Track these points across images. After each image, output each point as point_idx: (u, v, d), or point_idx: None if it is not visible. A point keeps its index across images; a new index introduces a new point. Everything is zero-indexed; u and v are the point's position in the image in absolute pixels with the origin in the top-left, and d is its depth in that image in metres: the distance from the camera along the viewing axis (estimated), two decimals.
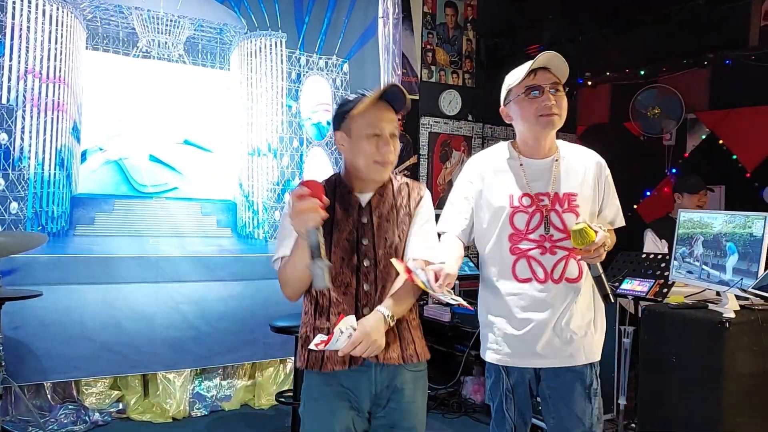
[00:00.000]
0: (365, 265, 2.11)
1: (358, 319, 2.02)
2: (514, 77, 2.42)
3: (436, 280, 2.01)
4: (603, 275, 2.27)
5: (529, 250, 2.36)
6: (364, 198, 2.17)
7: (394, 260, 2.06)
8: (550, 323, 2.36)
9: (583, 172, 2.43)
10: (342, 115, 2.15)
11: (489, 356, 2.48)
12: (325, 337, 1.98)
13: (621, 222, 2.51)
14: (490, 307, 2.47)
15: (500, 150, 2.52)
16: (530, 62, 2.37)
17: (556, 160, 2.43)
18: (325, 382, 2.10)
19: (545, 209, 2.37)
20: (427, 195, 2.28)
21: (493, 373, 2.52)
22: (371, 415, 2.15)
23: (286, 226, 1.98)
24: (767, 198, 5.77)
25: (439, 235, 2.41)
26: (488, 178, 2.46)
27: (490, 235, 2.43)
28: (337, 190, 2.18)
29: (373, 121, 2.10)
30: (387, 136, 2.11)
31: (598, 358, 2.44)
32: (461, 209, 2.51)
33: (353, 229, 2.13)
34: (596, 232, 2.18)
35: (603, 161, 2.49)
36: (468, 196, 2.50)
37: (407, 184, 2.26)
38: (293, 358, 4.07)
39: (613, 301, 2.31)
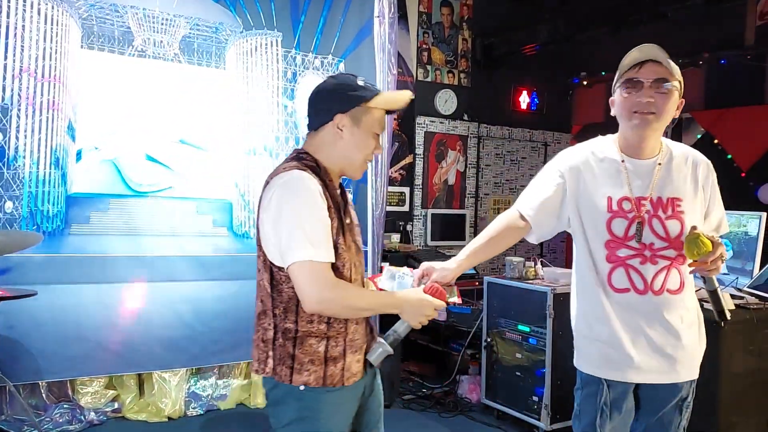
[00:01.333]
0: (364, 267, 2.11)
1: (371, 330, 2.08)
2: (622, 65, 2.18)
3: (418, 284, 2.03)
4: (719, 290, 2.15)
5: (628, 258, 2.17)
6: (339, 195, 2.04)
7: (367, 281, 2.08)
8: (654, 337, 2.18)
9: (690, 173, 2.24)
10: (355, 99, 1.96)
11: (586, 368, 2.30)
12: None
13: (726, 229, 2.34)
14: (587, 315, 2.29)
15: (601, 145, 2.32)
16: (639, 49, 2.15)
17: (659, 162, 2.22)
18: (336, 401, 1.93)
19: (648, 215, 2.17)
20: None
21: (590, 385, 2.30)
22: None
23: (321, 218, 1.87)
24: (762, 197, 5.78)
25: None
26: (585, 176, 2.26)
27: (586, 239, 2.25)
28: (328, 183, 1.97)
29: (381, 120, 2.02)
30: (380, 137, 2.07)
31: (697, 376, 2.27)
32: (544, 195, 2.30)
33: (350, 232, 2.03)
34: (712, 241, 2.02)
35: (710, 163, 2.30)
36: (558, 182, 2.29)
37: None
38: None
39: (728, 317, 2.19)
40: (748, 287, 3.03)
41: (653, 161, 2.22)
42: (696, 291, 2.25)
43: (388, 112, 2.09)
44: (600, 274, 2.21)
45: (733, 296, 3.12)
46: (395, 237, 6.22)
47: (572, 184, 2.26)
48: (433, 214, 6.63)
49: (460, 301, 2.10)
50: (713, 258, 2.01)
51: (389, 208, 5.82)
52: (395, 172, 6.38)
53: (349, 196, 2.16)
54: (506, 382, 4.31)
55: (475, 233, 6.93)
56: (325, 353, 1.89)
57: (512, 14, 6.84)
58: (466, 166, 6.97)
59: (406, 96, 2.00)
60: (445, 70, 6.81)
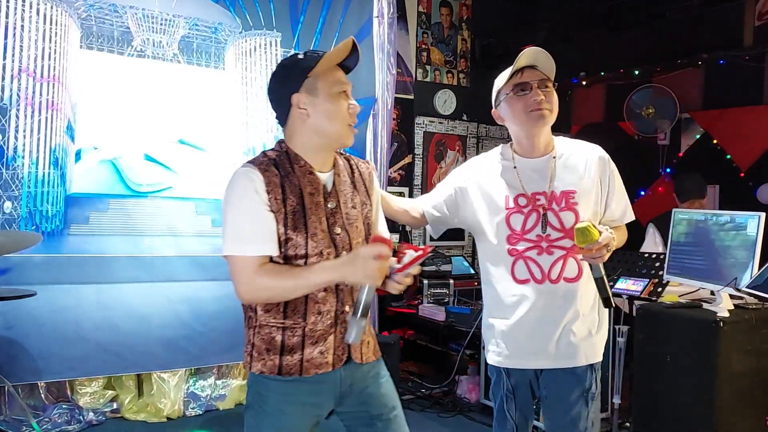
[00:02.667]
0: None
1: (337, 321, 1.91)
2: (501, 78, 2.41)
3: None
4: (605, 277, 2.23)
5: (526, 250, 2.32)
6: (326, 178, 1.95)
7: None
8: (549, 324, 2.32)
9: (583, 167, 2.37)
10: (300, 73, 1.88)
11: (490, 358, 2.45)
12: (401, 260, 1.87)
13: (630, 217, 2.46)
14: (491, 308, 2.46)
15: (496, 153, 2.51)
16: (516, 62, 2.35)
17: (554, 158, 2.39)
18: (293, 390, 1.90)
19: (542, 208, 2.32)
20: (373, 168, 2.14)
21: (494, 374, 2.50)
22: (337, 414, 2.00)
23: (255, 214, 1.82)
24: (761, 197, 5.79)
25: None
26: (483, 182, 2.43)
27: (488, 237, 2.40)
28: (296, 168, 1.90)
29: (340, 79, 1.92)
30: (350, 94, 1.95)
31: (599, 360, 2.39)
32: (442, 196, 2.52)
33: (323, 217, 1.90)
34: (600, 232, 2.14)
35: (606, 156, 2.43)
36: (458, 185, 2.49)
37: (349, 158, 2.09)
38: None
39: (613, 305, 2.27)
40: (747, 287, 3.03)
41: (547, 158, 2.40)
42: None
43: (343, 67, 1.97)
44: (504, 267, 2.36)
45: (732, 296, 3.13)
46: (394, 237, 6.22)
47: (473, 188, 2.44)
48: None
49: (420, 253, 1.87)
50: (598, 246, 2.13)
51: None
52: (394, 172, 6.37)
53: (353, 176, 2.05)
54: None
55: None
56: (282, 343, 1.88)
57: (511, 14, 6.84)
58: None
59: (347, 42, 1.89)
60: (444, 71, 6.81)
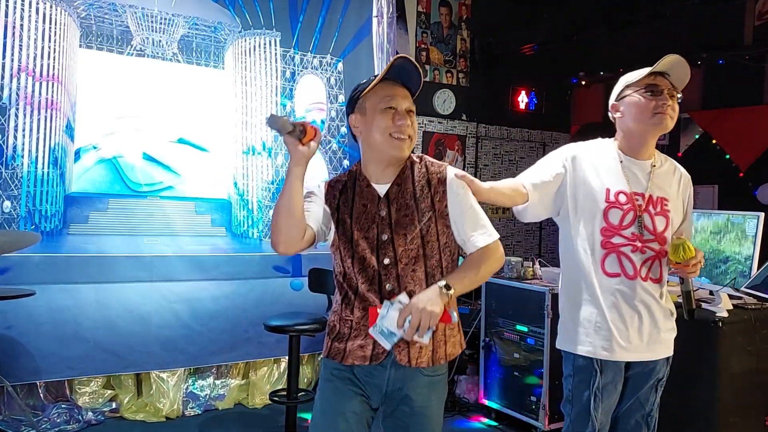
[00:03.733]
0: (385, 263, 2.02)
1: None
2: (634, 75, 2.46)
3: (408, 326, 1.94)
4: (693, 291, 2.39)
5: (621, 245, 2.39)
6: (382, 189, 2.09)
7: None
8: (639, 318, 2.40)
9: (676, 182, 2.50)
10: (355, 97, 2.11)
11: (578, 349, 2.43)
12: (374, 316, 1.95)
13: (691, 237, 2.56)
14: (579, 299, 2.46)
15: (602, 145, 2.56)
16: (656, 64, 2.41)
17: (653, 165, 2.47)
18: (342, 368, 2.10)
19: (639, 208, 2.39)
20: (450, 171, 2.11)
21: (582, 371, 2.44)
22: (381, 413, 2.12)
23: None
24: (760, 197, 5.79)
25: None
26: (588, 169, 2.47)
27: (581, 226, 2.44)
28: (357, 184, 2.13)
29: (386, 96, 2.05)
30: (403, 110, 2.05)
31: (671, 353, 2.51)
32: (544, 175, 2.51)
33: (372, 225, 2.06)
34: (695, 249, 2.30)
35: (687, 174, 2.56)
36: (559, 171, 2.49)
37: (426, 166, 2.13)
38: (287, 357, 4.07)
39: (696, 317, 2.44)
40: (746, 287, 3.03)
41: (649, 163, 2.47)
42: None
43: (404, 84, 2.11)
44: (594, 259, 2.41)
45: (731, 297, 3.13)
46: None
47: (573, 173, 2.47)
48: None
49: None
50: (695, 262, 2.29)
51: None
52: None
53: (418, 184, 2.10)
54: (504, 382, 4.31)
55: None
56: (338, 330, 2.10)
57: (511, 14, 6.84)
58: (464, 166, 6.96)
59: (399, 56, 2.05)
60: (443, 70, 6.81)
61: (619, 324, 2.38)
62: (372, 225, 2.05)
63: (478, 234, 2.06)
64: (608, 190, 2.41)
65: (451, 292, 1.93)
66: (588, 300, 2.43)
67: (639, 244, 2.37)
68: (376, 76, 2.07)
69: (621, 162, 2.45)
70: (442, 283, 1.93)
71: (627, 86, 2.47)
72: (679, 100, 2.44)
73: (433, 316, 1.86)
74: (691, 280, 2.37)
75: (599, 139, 2.58)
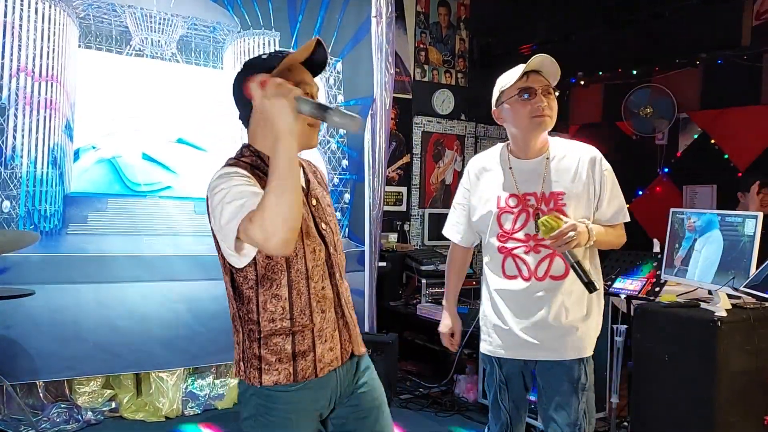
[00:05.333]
0: (332, 251, 1.91)
1: (338, 315, 1.91)
2: (506, 80, 2.47)
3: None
4: (579, 263, 2.31)
5: (515, 248, 2.45)
6: (301, 178, 1.86)
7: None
8: (536, 318, 2.44)
9: (575, 169, 2.44)
10: (264, 71, 1.81)
11: (482, 347, 2.63)
12: None
13: (624, 218, 2.52)
14: (485, 301, 2.63)
15: (494, 152, 2.60)
16: (522, 65, 2.41)
17: (547, 158, 2.47)
18: (295, 399, 1.85)
19: (532, 208, 2.43)
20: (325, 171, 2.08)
21: (487, 365, 2.65)
22: (330, 418, 1.97)
23: (235, 184, 1.73)
24: None
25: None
26: (481, 180, 2.57)
27: (483, 234, 2.57)
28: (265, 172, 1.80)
29: (303, 79, 1.87)
30: (316, 96, 1.89)
31: (589, 354, 2.49)
32: (458, 218, 2.69)
33: (310, 215, 1.89)
34: (564, 221, 2.26)
35: (599, 155, 2.48)
36: (462, 202, 2.65)
37: (303, 160, 2.02)
38: None
39: (597, 288, 2.37)
40: (745, 287, 3.03)
41: (541, 159, 2.47)
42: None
43: (307, 65, 1.90)
44: (496, 263, 2.51)
45: (729, 296, 3.13)
46: (393, 236, 6.22)
47: (473, 191, 2.59)
48: (430, 214, 6.63)
49: None
50: (559, 233, 2.23)
51: (387, 208, 5.82)
52: (392, 171, 6.38)
53: (317, 177, 2.06)
54: None
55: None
56: (293, 349, 1.82)
57: (509, 14, 6.84)
58: (463, 166, 6.97)
59: (310, 42, 1.83)
60: (442, 70, 6.81)
61: (513, 324, 2.47)
62: (307, 216, 1.89)
63: None
64: (499, 197, 2.48)
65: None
66: (489, 303, 2.57)
67: (533, 244, 2.41)
68: (281, 53, 1.86)
69: (510, 167, 2.49)
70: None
71: (502, 92, 2.48)
72: (556, 94, 2.48)
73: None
74: (573, 253, 2.29)
75: (497, 145, 2.61)
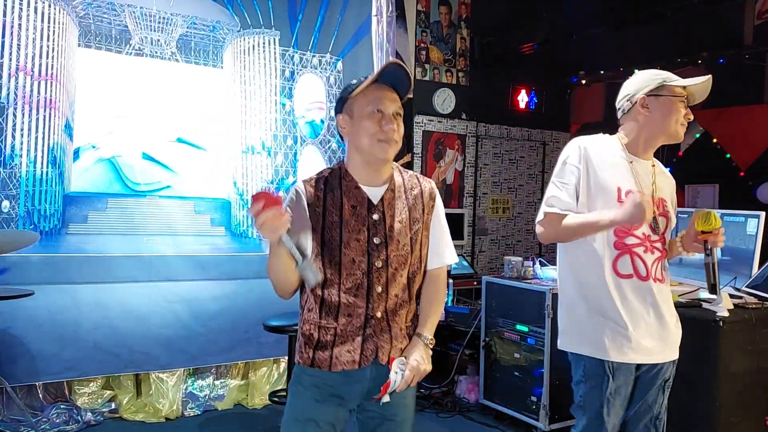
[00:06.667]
0: (377, 266, 2.05)
1: (367, 324, 2.05)
2: (674, 77, 2.46)
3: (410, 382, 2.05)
4: (717, 264, 2.36)
5: (635, 246, 2.37)
6: (374, 193, 2.09)
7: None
8: (656, 320, 2.40)
9: (669, 184, 2.54)
10: (344, 98, 2.10)
11: (592, 351, 2.39)
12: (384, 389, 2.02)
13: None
14: (588, 300, 2.41)
15: (608, 142, 2.50)
16: (670, 74, 2.46)
17: (653, 165, 2.49)
18: (320, 376, 2.08)
19: (657, 207, 2.42)
20: (436, 190, 2.22)
21: (594, 376, 2.40)
22: (359, 408, 2.14)
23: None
24: (761, 196, 5.78)
25: (545, 214, 2.42)
26: (597, 166, 2.40)
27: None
28: (343, 183, 2.09)
29: (374, 99, 2.04)
30: (390, 114, 2.04)
31: (677, 356, 2.50)
32: (569, 196, 2.41)
33: (364, 228, 2.06)
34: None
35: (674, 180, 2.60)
36: (572, 182, 2.41)
37: (417, 177, 2.20)
38: (287, 357, 4.05)
39: (719, 292, 2.45)
40: (747, 287, 3.02)
41: (650, 163, 2.48)
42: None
43: (393, 87, 2.09)
44: (607, 259, 2.37)
45: (731, 296, 3.12)
46: None
47: (586, 171, 2.41)
48: None
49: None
50: (722, 231, 2.31)
51: None
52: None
53: (407, 193, 2.15)
54: (504, 382, 4.30)
55: (474, 232, 6.93)
56: (318, 339, 2.07)
57: (510, 13, 6.82)
58: (464, 165, 6.96)
59: (391, 62, 2.05)
60: (443, 69, 6.79)
61: (630, 326, 2.34)
62: (363, 227, 2.06)
63: (448, 251, 2.21)
64: (619, 189, 2.36)
65: (432, 341, 2.16)
66: (599, 302, 2.38)
67: (648, 245, 2.37)
68: (366, 78, 2.07)
69: (630, 162, 2.42)
70: (427, 337, 2.14)
71: (665, 86, 2.41)
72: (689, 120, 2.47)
73: (425, 373, 2.08)
74: (716, 253, 2.36)
75: (602, 135, 2.53)
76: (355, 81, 2.11)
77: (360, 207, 2.07)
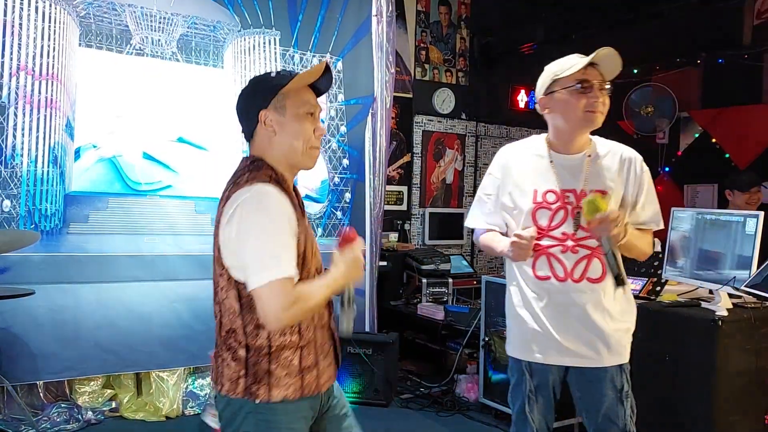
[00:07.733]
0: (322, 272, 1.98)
1: (332, 330, 1.99)
2: (562, 67, 2.33)
3: None
4: (615, 253, 2.21)
5: (550, 247, 2.32)
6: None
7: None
8: (575, 322, 2.32)
9: (616, 169, 2.35)
10: (270, 90, 1.90)
11: (511, 351, 2.47)
12: None
13: (658, 225, 2.42)
14: (513, 299, 2.46)
15: (530, 143, 2.47)
16: (578, 55, 2.32)
17: (588, 156, 2.36)
18: (296, 408, 1.87)
19: (571, 206, 2.31)
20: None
21: (516, 373, 2.49)
22: (320, 415, 1.99)
23: (283, 238, 1.78)
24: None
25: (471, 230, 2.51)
26: (514, 171, 2.41)
27: (513, 229, 2.38)
28: (286, 189, 1.87)
29: (309, 100, 1.91)
30: (319, 118, 1.94)
31: (626, 360, 2.40)
32: (486, 208, 2.51)
33: (309, 232, 1.95)
34: (610, 204, 2.18)
35: (639, 157, 2.40)
36: (491, 192, 2.48)
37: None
38: None
39: (625, 282, 2.27)
40: (746, 286, 3.03)
41: (582, 156, 2.37)
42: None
43: (314, 89, 1.95)
44: (527, 262, 2.36)
45: (730, 295, 3.13)
46: (393, 236, 6.22)
47: (504, 180, 2.43)
48: (431, 213, 6.63)
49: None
50: (604, 218, 2.11)
51: (387, 207, 5.82)
52: (393, 171, 6.37)
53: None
54: (504, 381, 4.31)
55: (473, 232, 6.93)
56: (300, 363, 1.85)
57: (510, 13, 6.83)
58: (464, 165, 6.97)
59: (320, 64, 1.90)
60: (443, 69, 6.80)
61: (548, 327, 2.33)
62: (309, 232, 1.94)
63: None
64: (536, 191, 2.34)
65: None
66: (520, 304, 2.41)
67: (570, 244, 2.30)
68: (290, 73, 1.92)
69: (551, 161, 2.36)
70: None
71: (555, 80, 2.33)
72: (610, 93, 2.31)
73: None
74: (610, 241, 2.17)
75: (531, 138, 2.49)
76: (274, 73, 2.00)
77: (304, 213, 1.98)
